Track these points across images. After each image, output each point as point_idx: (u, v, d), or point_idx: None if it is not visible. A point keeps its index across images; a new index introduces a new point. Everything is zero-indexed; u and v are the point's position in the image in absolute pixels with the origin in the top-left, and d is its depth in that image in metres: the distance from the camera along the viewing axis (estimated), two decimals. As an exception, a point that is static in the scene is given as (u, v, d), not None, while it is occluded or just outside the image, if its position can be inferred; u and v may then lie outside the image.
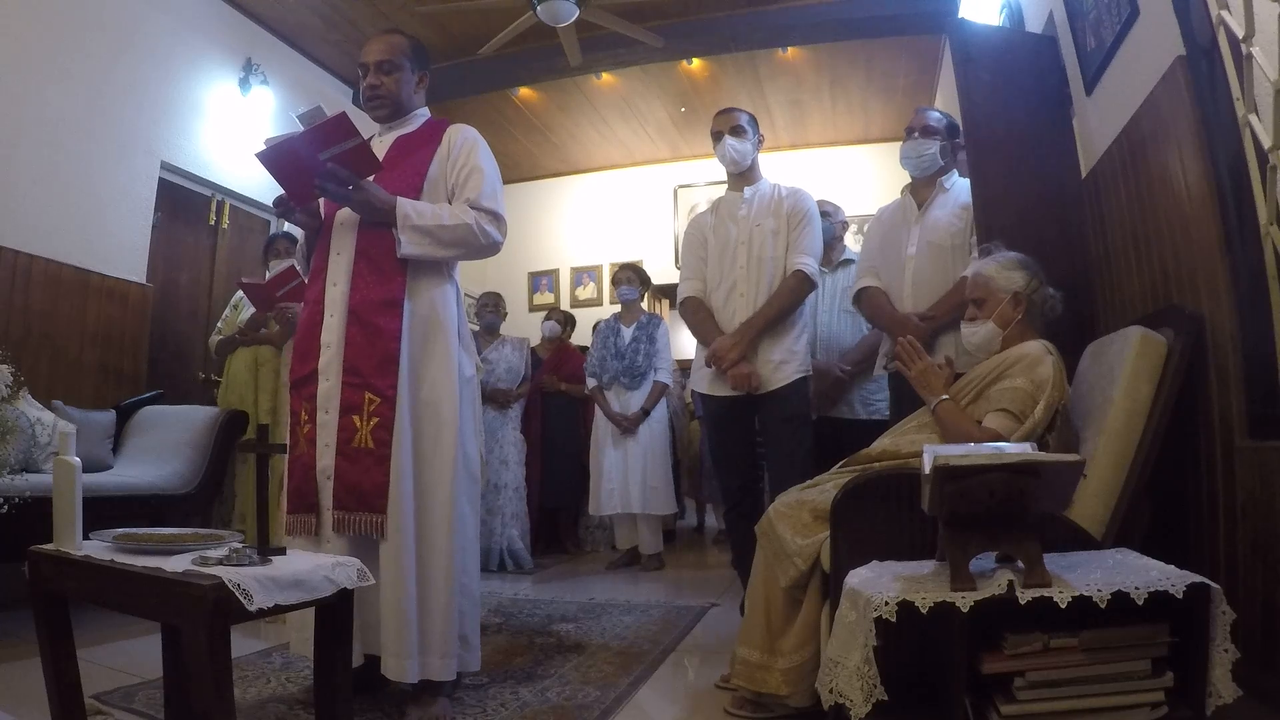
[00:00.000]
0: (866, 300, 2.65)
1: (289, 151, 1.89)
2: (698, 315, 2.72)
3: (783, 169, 5.26)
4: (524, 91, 5.79)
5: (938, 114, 2.66)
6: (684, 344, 5.61)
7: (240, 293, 3.63)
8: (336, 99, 5.24)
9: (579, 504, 4.99)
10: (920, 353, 1.98)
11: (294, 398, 2.03)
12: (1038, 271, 1.97)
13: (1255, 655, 1.48)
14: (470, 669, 2.02)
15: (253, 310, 3.51)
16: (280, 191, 2.00)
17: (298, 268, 2.38)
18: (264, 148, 1.92)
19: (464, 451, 1.99)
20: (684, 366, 4.91)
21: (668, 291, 7.01)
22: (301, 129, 1.97)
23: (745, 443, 2.71)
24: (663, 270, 6.59)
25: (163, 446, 3.27)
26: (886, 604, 1.21)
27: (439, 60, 4.71)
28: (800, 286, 2.61)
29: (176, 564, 1.35)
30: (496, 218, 2.03)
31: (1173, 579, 1.20)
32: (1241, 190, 1.65)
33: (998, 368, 1.86)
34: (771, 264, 2.64)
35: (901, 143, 2.64)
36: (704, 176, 6.80)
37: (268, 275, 3.67)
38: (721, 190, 2.90)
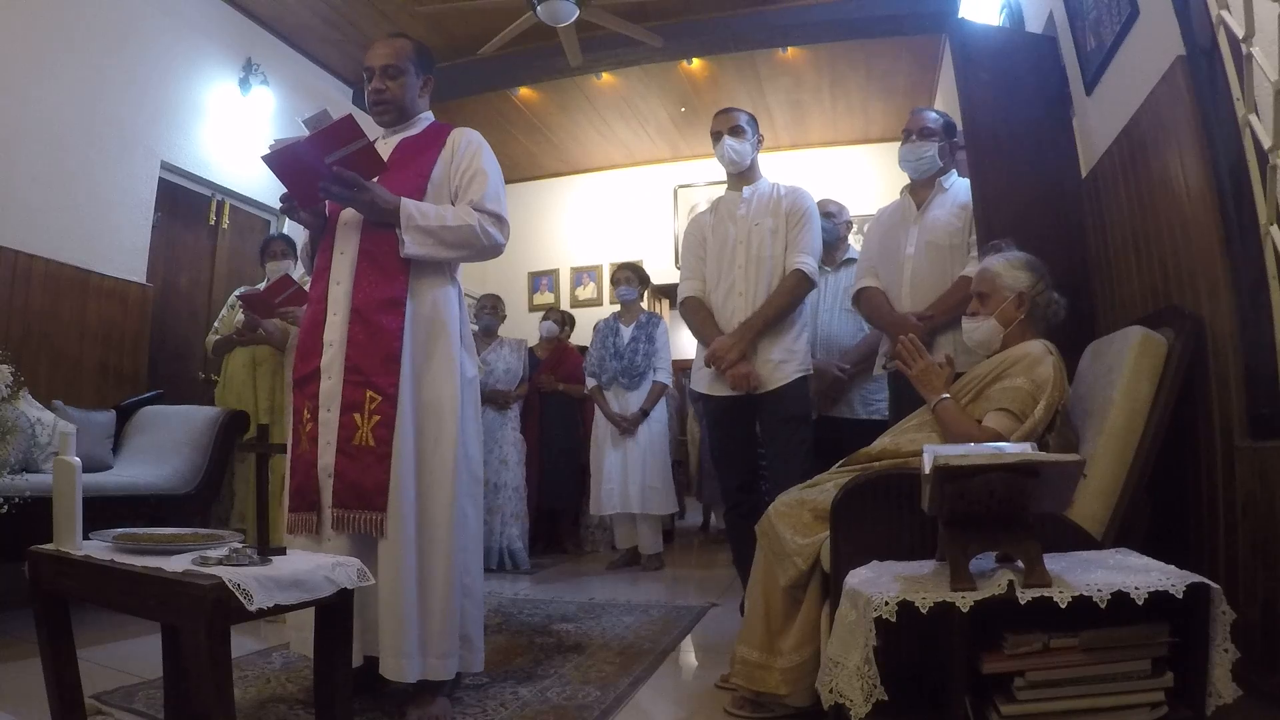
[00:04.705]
0: (865, 300, 2.65)
1: (295, 155, 1.90)
2: (697, 315, 2.72)
3: (783, 169, 5.26)
4: (524, 91, 5.79)
5: (934, 114, 2.66)
6: (684, 344, 5.62)
7: (237, 292, 3.63)
8: (337, 99, 5.24)
9: (578, 504, 4.99)
10: (921, 351, 1.98)
11: (296, 396, 2.04)
12: (1044, 274, 1.96)
13: (1255, 655, 1.48)
14: (473, 669, 2.02)
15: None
16: (285, 189, 2.01)
17: (302, 266, 2.38)
18: (270, 151, 1.92)
19: (465, 451, 1.99)
20: (682, 367, 4.92)
21: (668, 291, 7.01)
22: (307, 134, 1.97)
23: (745, 442, 2.71)
24: (663, 270, 6.59)
25: (163, 446, 3.27)
26: (886, 604, 1.21)
27: (439, 60, 4.69)
28: (799, 286, 2.61)
29: (176, 564, 1.35)
30: (499, 220, 2.04)
31: (1173, 579, 1.20)
32: (1241, 190, 1.65)
33: (998, 367, 1.85)
34: (770, 263, 2.64)
35: (900, 145, 2.64)
36: (704, 176, 6.79)
37: (265, 277, 3.67)
38: (721, 190, 2.90)
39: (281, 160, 1.92)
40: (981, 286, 1.99)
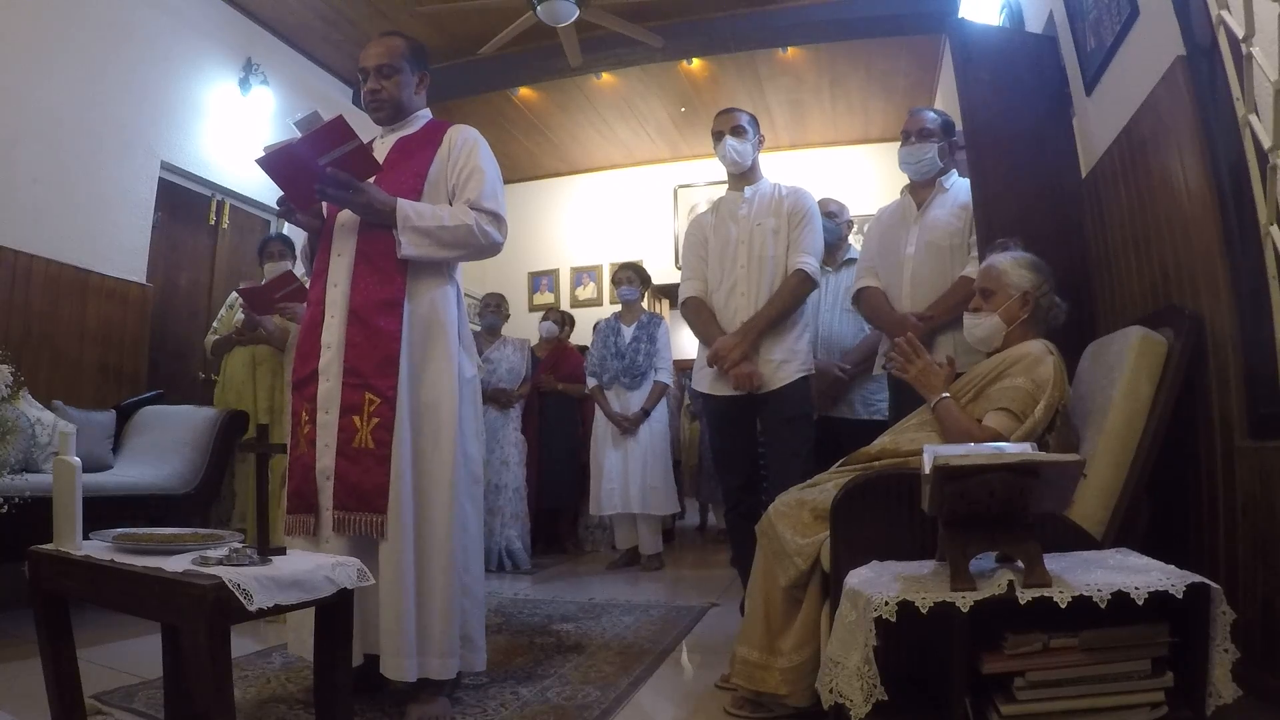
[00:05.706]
0: (865, 300, 2.65)
1: (288, 157, 1.90)
2: (699, 315, 2.72)
3: (783, 169, 5.25)
4: (524, 91, 5.79)
5: (933, 114, 2.65)
6: (684, 344, 5.62)
7: (236, 291, 3.63)
8: (336, 99, 5.25)
9: (578, 504, 5.00)
10: (920, 350, 1.98)
11: (295, 398, 2.04)
12: (1049, 277, 1.96)
13: (1255, 655, 1.48)
14: (475, 669, 2.02)
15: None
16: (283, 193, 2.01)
17: (301, 267, 2.38)
18: (263, 154, 1.92)
19: (465, 451, 1.99)
20: (683, 367, 4.92)
21: (668, 292, 7.01)
22: (299, 135, 1.97)
23: (747, 442, 2.71)
24: (663, 270, 6.58)
25: (163, 446, 3.27)
26: (886, 604, 1.21)
27: (439, 60, 4.71)
28: (801, 286, 2.61)
29: (176, 564, 1.35)
30: (497, 218, 2.03)
31: (1173, 579, 1.20)
32: (1241, 190, 1.65)
33: (998, 366, 1.85)
34: (772, 263, 2.64)
35: (899, 146, 2.64)
36: (704, 176, 6.80)
37: (264, 278, 3.67)
38: (722, 190, 2.90)
39: (275, 163, 1.92)
40: (986, 283, 1.98)
